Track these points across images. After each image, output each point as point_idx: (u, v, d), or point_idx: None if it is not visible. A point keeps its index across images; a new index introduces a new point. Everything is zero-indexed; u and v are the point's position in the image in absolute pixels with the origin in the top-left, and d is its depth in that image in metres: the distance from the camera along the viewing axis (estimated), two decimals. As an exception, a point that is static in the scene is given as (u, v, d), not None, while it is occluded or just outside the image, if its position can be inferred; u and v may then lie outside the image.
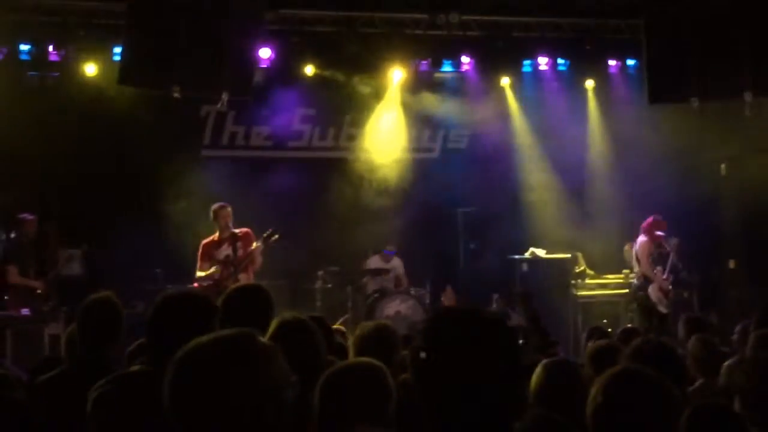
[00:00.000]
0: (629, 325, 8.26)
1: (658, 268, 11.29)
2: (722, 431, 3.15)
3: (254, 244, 9.74)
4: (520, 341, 5.37)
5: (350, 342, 4.32)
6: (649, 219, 11.31)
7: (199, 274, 9.85)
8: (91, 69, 11.33)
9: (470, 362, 2.07)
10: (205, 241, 9.96)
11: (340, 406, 2.87)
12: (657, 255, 11.37)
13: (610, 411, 2.73)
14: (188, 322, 3.30)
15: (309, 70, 12.29)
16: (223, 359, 1.96)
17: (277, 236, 9.78)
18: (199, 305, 3.50)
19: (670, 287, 11.29)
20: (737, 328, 6.70)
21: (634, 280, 11.56)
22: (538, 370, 3.83)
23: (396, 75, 12.58)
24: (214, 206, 9.99)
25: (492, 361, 2.08)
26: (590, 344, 5.13)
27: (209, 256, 9.83)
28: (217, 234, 9.91)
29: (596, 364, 4.33)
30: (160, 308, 3.48)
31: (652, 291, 11.20)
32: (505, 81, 12.97)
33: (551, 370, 3.82)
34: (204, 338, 2.02)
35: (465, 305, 2.23)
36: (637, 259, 11.37)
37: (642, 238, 11.30)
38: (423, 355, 2.09)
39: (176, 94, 10.16)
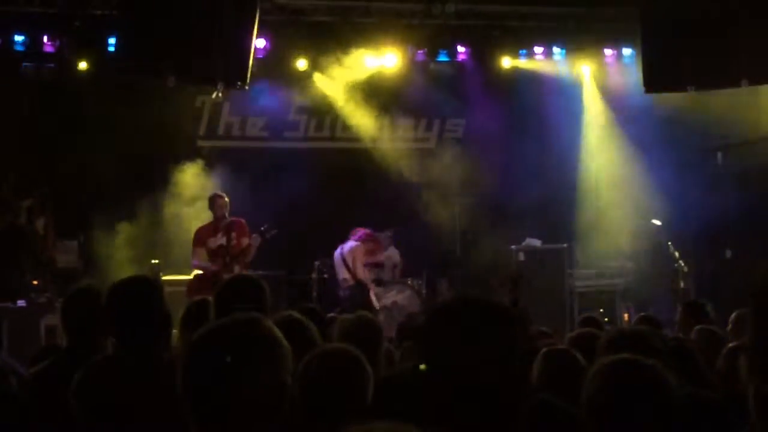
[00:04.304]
0: None
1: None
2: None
3: (252, 238, 9.77)
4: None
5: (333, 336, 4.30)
6: (362, 234, 11.22)
7: (195, 262, 9.89)
8: (85, 59, 11.28)
9: (469, 349, 2.07)
10: (199, 228, 10.04)
11: (319, 393, 2.88)
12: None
13: (603, 402, 2.71)
14: (140, 304, 3.62)
15: (304, 60, 12.27)
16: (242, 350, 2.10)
17: (275, 231, 9.82)
18: (148, 286, 3.74)
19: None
20: (732, 317, 6.68)
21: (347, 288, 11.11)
22: (539, 358, 3.90)
23: (392, 65, 12.54)
24: (211, 195, 10.10)
25: (490, 347, 2.08)
26: (571, 333, 5.16)
27: (203, 243, 9.90)
28: (212, 221, 9.97)
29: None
30: (112, 295, 3.70)
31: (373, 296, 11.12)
32: (503, 67, 12.92)
33: (551, 359, 3.89)
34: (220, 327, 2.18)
35: (466, 294, 2.24)
36: (350, 264, 11.09)
37: (355, 243, 11.15)
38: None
39: (171, 84, 10.15)
